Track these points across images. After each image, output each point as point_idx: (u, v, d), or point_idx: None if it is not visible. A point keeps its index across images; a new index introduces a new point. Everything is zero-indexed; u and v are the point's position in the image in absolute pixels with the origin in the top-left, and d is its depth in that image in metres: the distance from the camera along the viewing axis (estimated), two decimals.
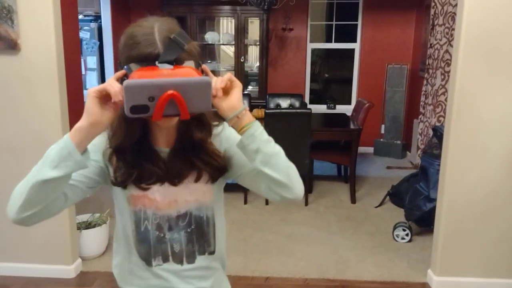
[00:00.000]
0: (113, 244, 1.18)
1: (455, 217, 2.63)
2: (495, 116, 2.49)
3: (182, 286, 1.11)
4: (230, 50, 6.09)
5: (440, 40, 4.26)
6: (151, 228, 1.07)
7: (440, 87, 4.23)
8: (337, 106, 6.10)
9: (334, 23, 6.03)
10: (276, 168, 0.94)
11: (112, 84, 0.84)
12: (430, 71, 4.60)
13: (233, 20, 5.67)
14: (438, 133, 3.17)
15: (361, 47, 5.96)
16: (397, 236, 3.33)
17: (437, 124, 4.12)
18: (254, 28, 5.82)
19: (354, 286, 2.75)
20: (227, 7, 5.55)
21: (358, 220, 3.75)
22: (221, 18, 5.94)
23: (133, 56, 0.88)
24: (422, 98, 4.80)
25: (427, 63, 4.67)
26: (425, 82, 4.74)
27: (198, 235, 1.10)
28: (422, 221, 3.28)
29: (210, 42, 5.81)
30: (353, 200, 4.13)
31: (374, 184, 4.66)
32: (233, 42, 5.67)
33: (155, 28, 0.90)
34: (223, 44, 5.99)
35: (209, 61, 5.94)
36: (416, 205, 3.25)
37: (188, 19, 5.56)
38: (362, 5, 5.86)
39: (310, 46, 6.05)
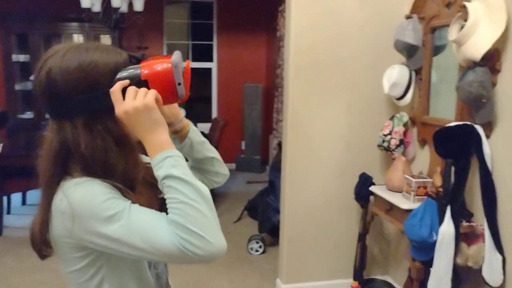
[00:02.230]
0: None
1: (297, 226, 2.79)
2: (324, 133, 2.72)
3: None
4: None
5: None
6: (150, 269, 1.01)
7: None
8: (198, 125, 6.13)
9: (190, 42, 6.10)
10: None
11: (147, 92, 0.87)
12: (279, 89, 4.90)
13: (82, 37, 5.36)
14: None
15: (218, 67, 6.11)
16: (252, 249, 3.42)
17: None
18: None
19: None
20: (74, 24, 5.23)
21: None
22: (70, 34, 5.57)
23: (121, 62, 0.90)
24: (275, 115, 5.09)
25: (276, 82, 4.97)
26: (276, 99, 5.04)
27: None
28: (273, 232, 3.42)
29: None
30: None
31: (234, 200, 4.75)
32: None
33: (98, 43, 0.93)
34: None
35: None
36: (267, 217, 3.38)
37: (30, 36, 5.12)
38: (216, 26, 6.03)
39: None
